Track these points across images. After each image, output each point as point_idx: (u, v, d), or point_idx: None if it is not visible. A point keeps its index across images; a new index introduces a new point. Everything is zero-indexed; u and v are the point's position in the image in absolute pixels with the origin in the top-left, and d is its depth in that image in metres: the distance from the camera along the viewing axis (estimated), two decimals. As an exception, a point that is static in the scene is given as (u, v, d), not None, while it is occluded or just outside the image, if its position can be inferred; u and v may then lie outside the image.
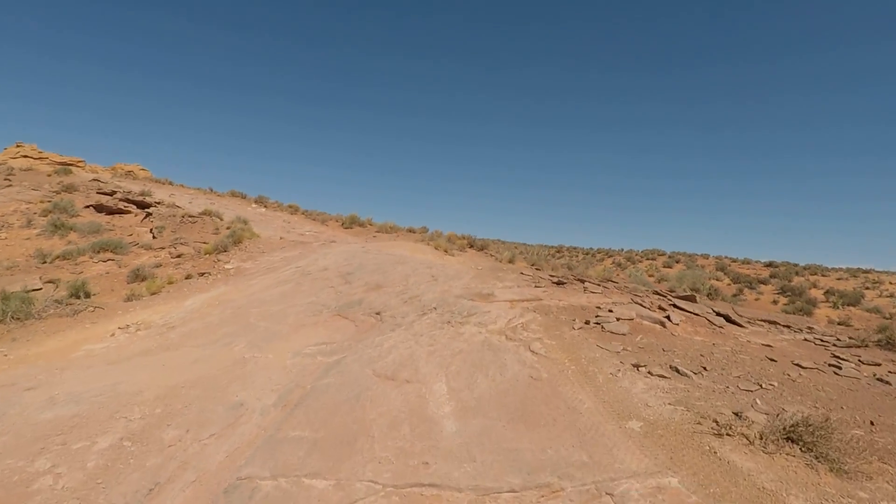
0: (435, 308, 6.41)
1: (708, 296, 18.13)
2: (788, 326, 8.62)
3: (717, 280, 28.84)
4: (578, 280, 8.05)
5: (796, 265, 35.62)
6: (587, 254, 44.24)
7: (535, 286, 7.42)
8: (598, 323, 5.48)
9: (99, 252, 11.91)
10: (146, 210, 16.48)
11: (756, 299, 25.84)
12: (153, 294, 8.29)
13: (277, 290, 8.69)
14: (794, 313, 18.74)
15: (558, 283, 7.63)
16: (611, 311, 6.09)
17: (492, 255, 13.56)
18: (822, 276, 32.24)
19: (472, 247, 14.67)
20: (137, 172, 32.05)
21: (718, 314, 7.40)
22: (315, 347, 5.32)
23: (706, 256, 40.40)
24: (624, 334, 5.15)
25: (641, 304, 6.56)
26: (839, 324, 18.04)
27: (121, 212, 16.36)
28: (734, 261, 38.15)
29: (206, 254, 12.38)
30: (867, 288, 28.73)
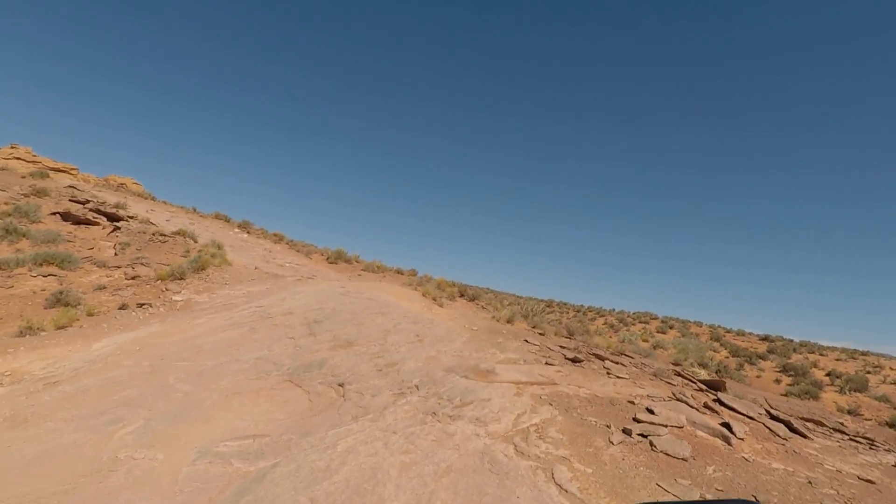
0: (417, 387, 4.77)
1: (717, 372, 16.67)
2: (842, 432, 7.18)
3: (715, 351, 27.75)
4: (596, 356, 6.53)
5: (792, 341, 34.73)
6: (578, 311, 42.73)
7: (546, 362, 5.85)
8: (643, 434, 3.91)
9: (41, 265, 10.11)
10: (115, 223, 14.84)
11: (758, 376, 24.48)
12: (60, 328, 6.48)
13: (224, 335, 6.97)
14: (799, 395, 17.55)
15: (574, 360, 6.08)
16: (651, 411, 4.54)
17: (485, 309, 12.01)
18: (821, 355, 31.23)
19: (462, 296, 13.16)
20: (130, 185, 30.53)
21: (774, 418, 5.90)
22: (236, 443, 3.60)
23: (699, 324, 39.22)
24: (686, 459, 3.58)
25: (686, 402, 5.02)
26: (849, 412, 16.86)
27: (89, 223, 14.68)
28: (728, 331, 37.03)
29: (158, 279, 10.62)
30: (868, 372, 27.80)
